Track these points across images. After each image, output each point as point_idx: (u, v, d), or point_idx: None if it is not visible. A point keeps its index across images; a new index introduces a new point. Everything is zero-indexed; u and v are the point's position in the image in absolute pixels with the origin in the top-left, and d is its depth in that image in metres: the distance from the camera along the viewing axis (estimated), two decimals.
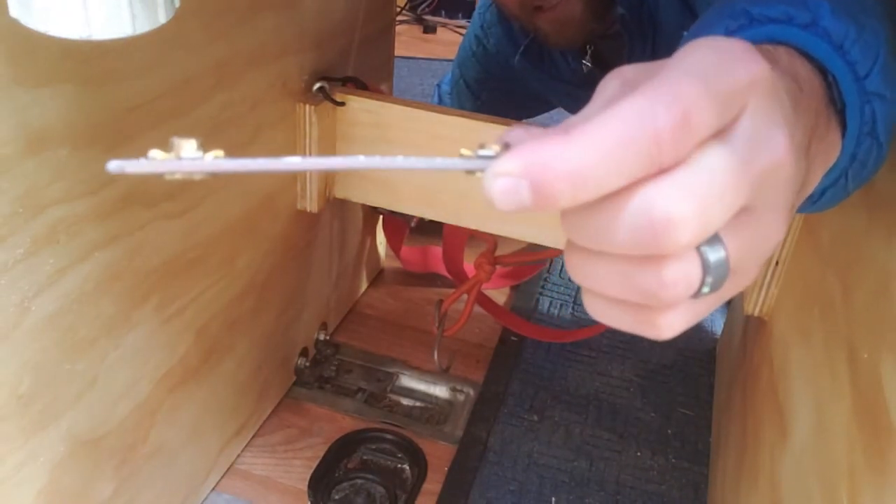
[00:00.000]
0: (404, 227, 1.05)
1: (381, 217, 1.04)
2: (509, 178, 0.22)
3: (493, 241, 0.94)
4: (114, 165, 0.22)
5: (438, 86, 1.30)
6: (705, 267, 0.23)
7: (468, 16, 2.08)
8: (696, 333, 1.05)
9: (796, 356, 0.56)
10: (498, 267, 0.95)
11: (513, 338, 1.00)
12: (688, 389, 0.95)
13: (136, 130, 0.53)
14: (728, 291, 0.25)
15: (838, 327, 0.46)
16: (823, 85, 0.32)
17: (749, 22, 0.34)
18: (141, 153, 0.59)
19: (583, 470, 0.83)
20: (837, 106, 0.33)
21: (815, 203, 0.37)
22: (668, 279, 0.23)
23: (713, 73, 0.23)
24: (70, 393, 0.52)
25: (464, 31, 1.29)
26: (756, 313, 0.68)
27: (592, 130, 0.21)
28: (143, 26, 0.33)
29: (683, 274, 0.23)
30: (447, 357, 0.93)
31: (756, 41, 0.31)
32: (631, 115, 0.21)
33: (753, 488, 0.60)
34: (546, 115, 1.33)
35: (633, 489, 0.81)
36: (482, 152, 0.23)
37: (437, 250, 1.05)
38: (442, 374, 0.92)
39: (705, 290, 0.24)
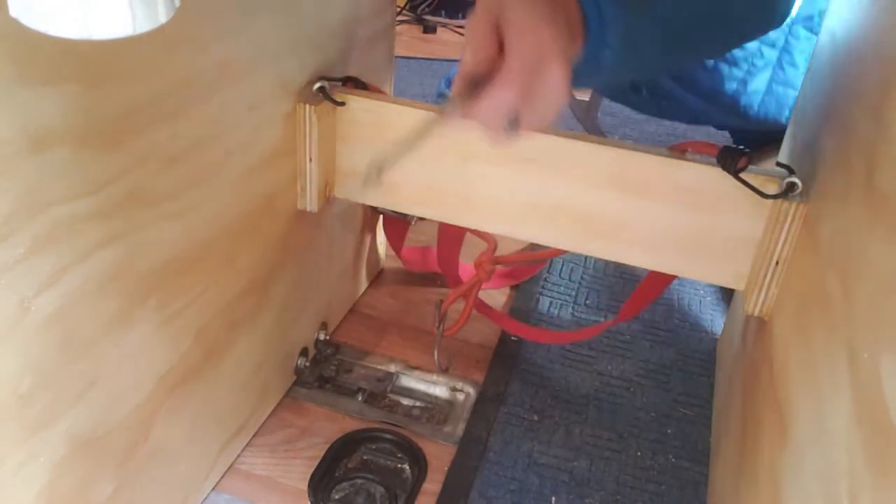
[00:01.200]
0: (405, 226, 1.05)
1: (381, 217, 1.04)
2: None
3: (494, 241, 0.94)
4: None
5: (445, 77, 1.30)
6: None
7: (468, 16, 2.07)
8: (696, 333, 1.05)
9: (796, 356, 0.56)
10: (498, 267, 0.95)
11: (513, 338, 1.00)
12: (688, 389, 0.95)
13: (137, 130, 0.53)
14: (542, 110, 0.52)
15: (838, 327, 0.46)
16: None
17: None
18: (142, 153, 0.60)
19: (583, 470, 0.83)
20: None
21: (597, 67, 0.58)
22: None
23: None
24: (70, 393, 0.52)
25: (464, 31, 1.29)
26: (756, 313, 0.68)
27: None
28: (144, 26, 0.32)
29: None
30: (447, 357, 0.93)
31: None
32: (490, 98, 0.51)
33: (753, 488, 0.60)
34: None
35: (633, 489, 0.81)
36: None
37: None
38: (442, 374, 0.92)
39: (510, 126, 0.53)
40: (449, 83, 1.26)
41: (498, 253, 0.94)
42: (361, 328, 1.00)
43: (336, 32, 0.79)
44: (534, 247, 1.15)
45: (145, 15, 0.32)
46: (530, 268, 1.11)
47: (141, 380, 0.59)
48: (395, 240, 1.07)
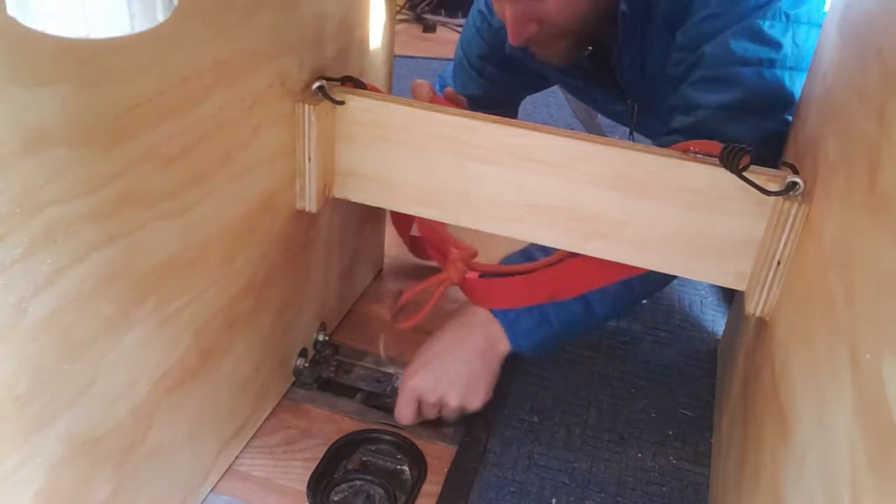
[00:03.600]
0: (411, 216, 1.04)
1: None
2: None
3: (474, 250, 0.95)
4: None
5: (440, 76, 1.30)
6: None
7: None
8: (698, 334, 1.05)
9: (798, 356, 0.55)
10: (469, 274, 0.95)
11: None
12: (689, 390, 0.95)
13: (135, 130, 0.52)
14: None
15: (840, 327, 0.46)
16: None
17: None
18: (139, 153, 0.59)
19: (583, 471, 0.83)
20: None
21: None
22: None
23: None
24: (68, 393, 0.52)
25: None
26: (758, 313, 0.68)
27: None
28: (142, 25, 0.32)
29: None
30: (394, 350, 0.94)
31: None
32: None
33: (755, 490, 0.59)
34: (548, 112, 1.33)
35: (634, 490, 0.81)
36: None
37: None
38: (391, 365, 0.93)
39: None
40: (442, 82, 1.26)
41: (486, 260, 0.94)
42: (361, 329, 1.00)
43: (335, 31, 0.79)
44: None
45: (143, 14, 0.32)
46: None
47: (139, 381, 0.59)
48: (403, 228, 1.06)
